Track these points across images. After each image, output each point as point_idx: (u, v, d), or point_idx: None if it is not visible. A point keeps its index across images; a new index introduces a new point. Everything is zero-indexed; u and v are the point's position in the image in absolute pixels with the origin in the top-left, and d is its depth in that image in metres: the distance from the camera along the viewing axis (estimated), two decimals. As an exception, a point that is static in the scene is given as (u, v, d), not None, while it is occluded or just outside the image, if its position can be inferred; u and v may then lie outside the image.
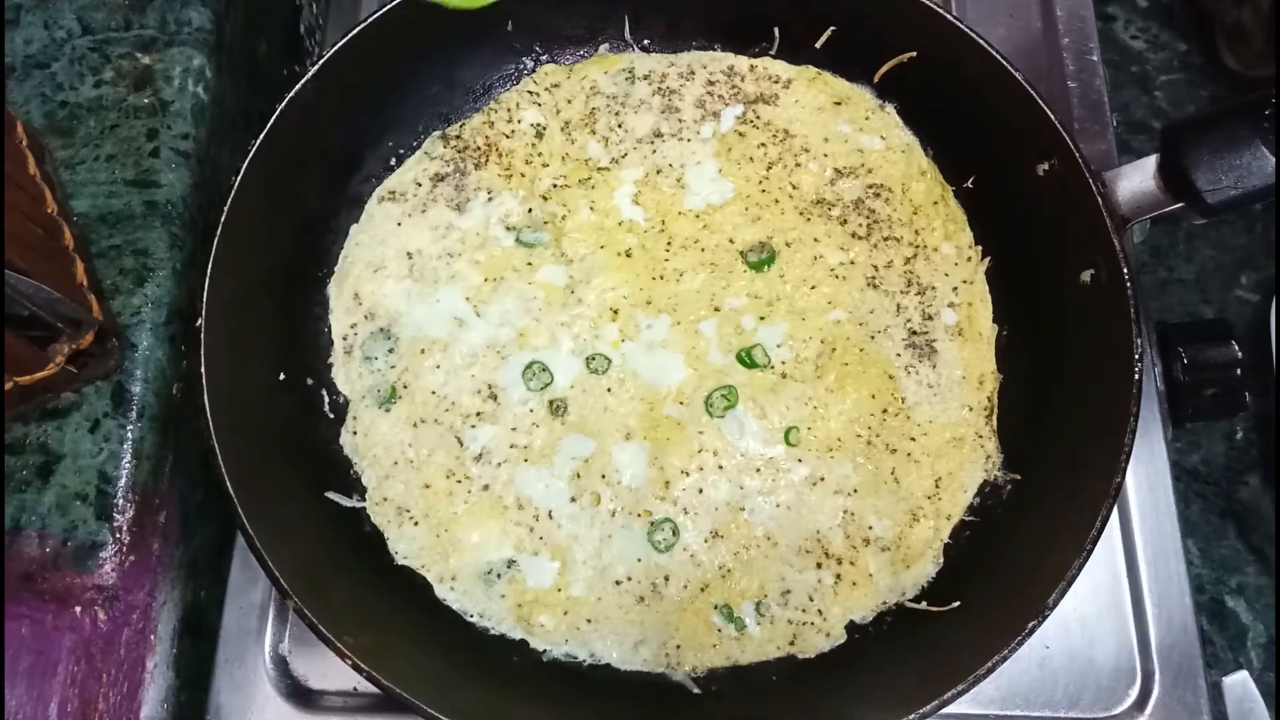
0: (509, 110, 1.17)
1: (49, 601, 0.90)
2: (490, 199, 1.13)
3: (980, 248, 1.12)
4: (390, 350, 1.07)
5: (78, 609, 0.90)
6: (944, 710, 0.84)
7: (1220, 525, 1.23)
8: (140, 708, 0.95)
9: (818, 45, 1.18)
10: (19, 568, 0.90)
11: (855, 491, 1.01)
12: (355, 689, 1.02)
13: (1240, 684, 1.08)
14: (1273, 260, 1.32)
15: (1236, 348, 1.15)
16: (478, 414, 1.03)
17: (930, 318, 1.08)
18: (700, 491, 1.00)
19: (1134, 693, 1.03)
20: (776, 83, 1.18)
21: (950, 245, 1.11)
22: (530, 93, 1.18)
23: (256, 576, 1.05)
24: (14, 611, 0.89)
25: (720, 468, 1.01)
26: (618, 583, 0.98)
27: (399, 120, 1.16)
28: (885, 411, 1.04)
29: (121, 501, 0.93)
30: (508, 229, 1.12)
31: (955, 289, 1.10)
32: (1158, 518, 1.10)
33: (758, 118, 1.16)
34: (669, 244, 1.11)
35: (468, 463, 1.02)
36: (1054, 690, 1.03)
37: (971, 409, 1.05)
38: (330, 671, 1.03)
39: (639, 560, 0.98)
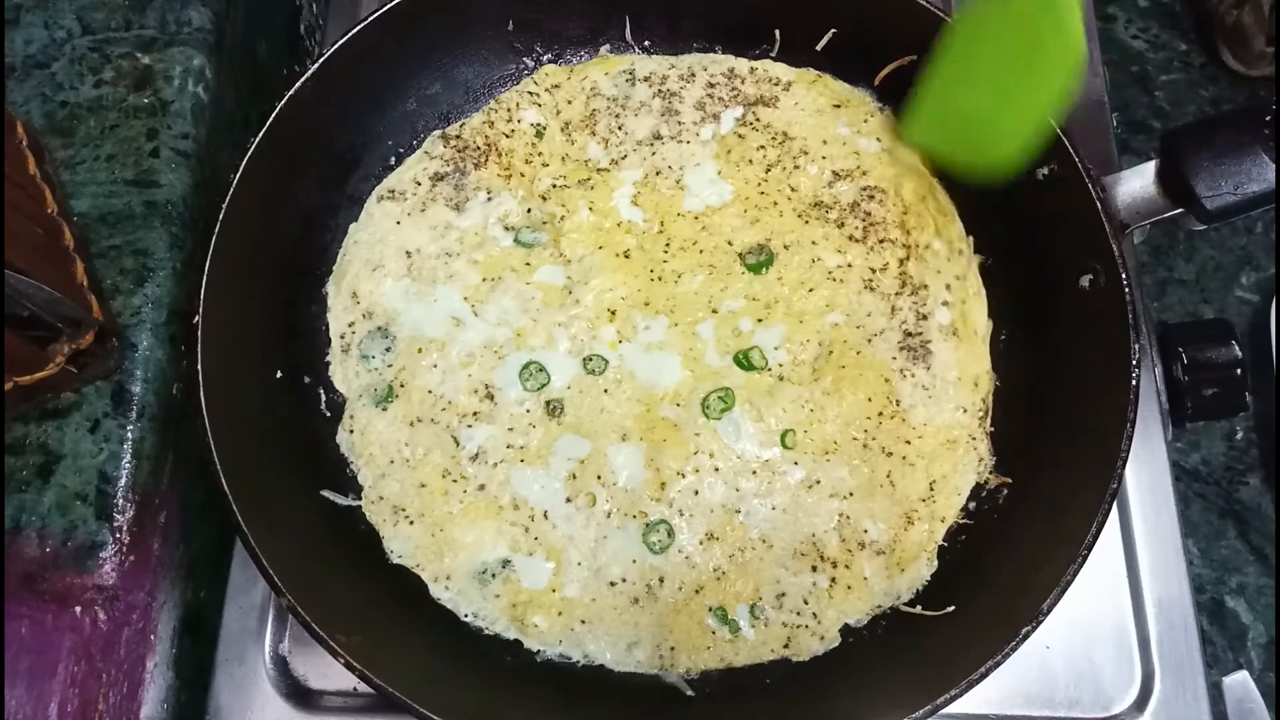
0: (509, 110, 1.17)
1: (49, 601, 0.90)
2: (489, 199, 1.13)
3: (972, 239, 1.11)
4: (388, 349, 1.07)
5: (78, 609, 0.91)
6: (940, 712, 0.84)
7: (1220, 525, 1.23)
8: (140, 708, 0.96)
9: (818, 48, 1.17)
10: (19, 568, 0.90)
11: (851, 495, 1.01)
12: (355, 689, 1.02)
13: (1240, 684, 1.08)
14: (1273, 260, 1.32)
15: (1236, 348, 1.15)
16: (474, 414, 1.03)
17: (925, 318, 1.08)
18: (696, 493, 1.00)
19: (1134, 693, 1.03)
20: (776, 85, 1.18)
21: (940, 241, 1.11)
22: (530, 93, 1.18)
23: (256, 576, 1.04)
24: (14, 611, 0.89)
25: (716, 470, 1.01)
26: (612, 584, 0.98)
27: (399, 119, 1.16)
28: (881, 414, 1.04)
29: (121, 501, 0.94)
30: (506, 229, 1.12)
31: (948, 285, 1.09)
32: (1158, 518, 1.10)
33: (757, 120, 1.16)
34: (667, 245, 1.11)
35: (464, 462, 1.02)
36: (1054, 690, 1.03)
37: (966, 411, 1.05)
38: (330, 671, 1.03)
39: (634, 561, 0.99)
